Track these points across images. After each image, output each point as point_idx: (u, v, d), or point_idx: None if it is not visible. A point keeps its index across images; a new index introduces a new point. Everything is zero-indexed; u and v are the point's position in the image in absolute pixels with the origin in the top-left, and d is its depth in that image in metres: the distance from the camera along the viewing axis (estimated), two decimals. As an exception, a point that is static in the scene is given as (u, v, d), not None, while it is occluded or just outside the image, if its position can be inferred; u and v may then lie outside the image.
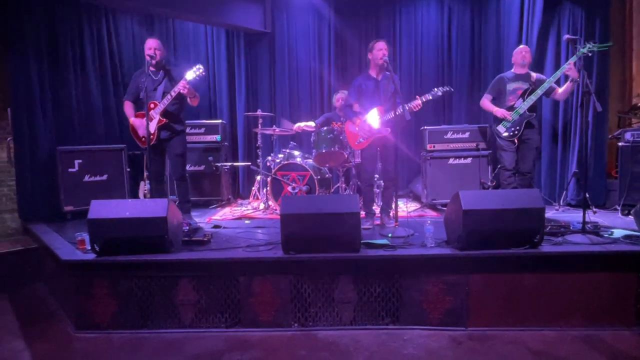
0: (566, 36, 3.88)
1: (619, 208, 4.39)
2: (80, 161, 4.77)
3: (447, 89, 3.93)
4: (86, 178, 4.81)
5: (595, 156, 4.81)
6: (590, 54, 3.93)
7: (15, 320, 3.30)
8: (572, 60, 4.01)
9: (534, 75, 4.35)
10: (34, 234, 4.20)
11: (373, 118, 3.95)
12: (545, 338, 2.81)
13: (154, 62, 3.97)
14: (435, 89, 3.90)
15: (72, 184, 4.71)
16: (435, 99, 3.94)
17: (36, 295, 3.83)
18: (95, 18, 5.28)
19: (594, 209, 4.43)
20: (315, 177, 4.76)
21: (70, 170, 4.72)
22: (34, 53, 4.68)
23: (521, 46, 4.46)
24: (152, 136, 3.94)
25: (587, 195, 3.62)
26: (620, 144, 4.53)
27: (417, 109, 3.90)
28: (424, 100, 3.87)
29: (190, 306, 3.04)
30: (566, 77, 4.25)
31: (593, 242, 3.13)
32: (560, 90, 4.27)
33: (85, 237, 3.22)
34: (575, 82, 4.18)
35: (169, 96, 3.90)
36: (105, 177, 4.93)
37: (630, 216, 3.95)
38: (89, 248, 3.13)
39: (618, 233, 3.35)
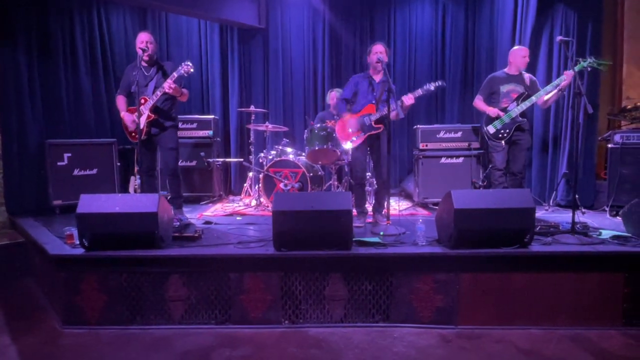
0: (559, 37, 3.89)
1: (607, 209, 4.44)
2: (69, 155, 4.71)
3: (440, 83, 3.91)
4: (75, 172, 4.75)
5: (585, 158, 4.84)
6: (589, 69, 3.94)
7: (1, 315, 3.25)
8: (570, 71, 3.98)
9: (526, 76, 4.33)
10: (22, 228, 4.14)
11: (365, 115, 3.97)
12: (534, 337, 2.84)
13: (146, 56, 3.93)
14: (428, 84, 3.90)
15: (61, 178, 4.64)
16: (428, 95, 3.94)
17: (23, 290, 3.78)
18: (87, 11, 5.22)
19: (583, 210, 4.47)
20: (307, 175, 4.75)
21: (59, 163, 4.65)
22: (24, 45, 4.60)
23: (520, 48, 4.35)
24: (142, 131, 3.90)
25: (577, 196, 3.65)
26: (609, 145, 4.58)
27: (408, 103, 3.88)
28: (415, 95, 3.87)
29: (180, 302, 3.02)
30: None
31: (582, 243, 3.16)
32: (546, 97, 4.25)
33: (74, 231, 3.19)
34: (562, 92, 4.20)
35: (158, 92, 3.86)
36: (95, 171, 4.87)
37: (618, 217, 4.00)
38: (78, 243, 3.10)
39: (606, 234, 3.40)
